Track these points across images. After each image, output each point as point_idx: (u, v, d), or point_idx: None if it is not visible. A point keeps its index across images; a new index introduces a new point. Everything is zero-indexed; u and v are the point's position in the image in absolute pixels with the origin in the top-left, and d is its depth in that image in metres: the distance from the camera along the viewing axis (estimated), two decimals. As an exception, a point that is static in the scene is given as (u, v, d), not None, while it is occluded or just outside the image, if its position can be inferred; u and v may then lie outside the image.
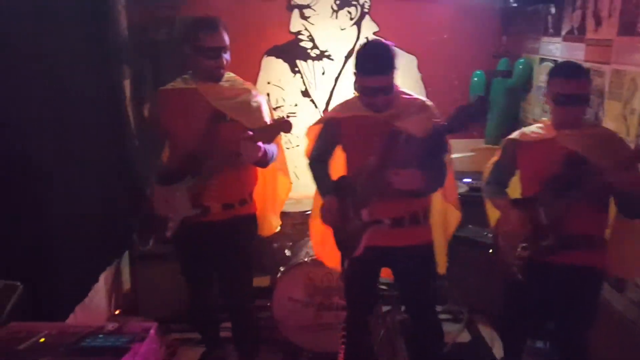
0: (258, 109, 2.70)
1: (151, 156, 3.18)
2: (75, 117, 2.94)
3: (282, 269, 3.41)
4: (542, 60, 4.00)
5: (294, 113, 4.51)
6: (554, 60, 3.81)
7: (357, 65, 2.37)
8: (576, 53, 3.47)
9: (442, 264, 2.74)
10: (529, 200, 2.45)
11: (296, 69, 4.43)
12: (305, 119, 4.52)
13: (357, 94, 2.50)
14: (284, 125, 2.36)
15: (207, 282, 2.98)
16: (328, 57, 4.41)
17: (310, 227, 2.97)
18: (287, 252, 3.63)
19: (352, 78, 2.42)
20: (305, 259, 3.23)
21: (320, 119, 2.76)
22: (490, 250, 3.59)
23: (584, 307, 2.46)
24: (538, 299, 2.55)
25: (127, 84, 4.00)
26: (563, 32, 3.67)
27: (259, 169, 2.83)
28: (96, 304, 3.42)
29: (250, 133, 2.36)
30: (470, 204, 3.01)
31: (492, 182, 2.68)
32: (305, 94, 4.49)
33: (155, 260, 3.67)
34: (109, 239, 3.36)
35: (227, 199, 2.72)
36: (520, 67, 4.19)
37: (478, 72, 4.32)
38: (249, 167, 2.73)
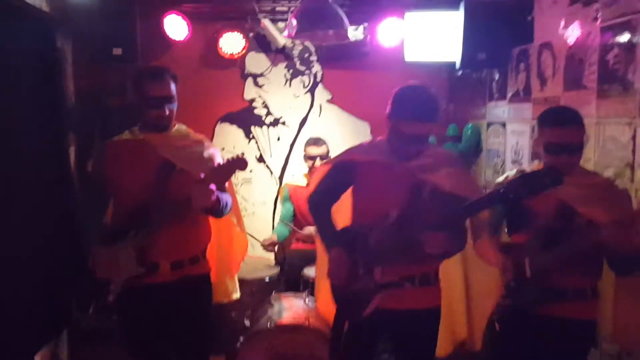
0: (211, 160, 2.55)
1: (93, 217, 2.97)
2: (13, 181, 2.75)
3: (241, 338, 3.15)
4: (490, 124, 4.17)
5: (249, 179, 4.42)
6: (502, 124, 3.98)
7: (398, 109, 2.11)
8: (524, 112, 3.64)
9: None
10: (517, 247, 2.30)
11: (251, 135, 4.40)
12: (260, 185, 4.46)
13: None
14: (238, 162, 2.21)
15: None
16: (283, 123, 4.44)
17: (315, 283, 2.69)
18: (247, 322, 3.38)
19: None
20: (268, 326, 3.01)
21: (331, 159, 2.52)
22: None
23: None
24: (518, 351, 2.40)
25: (72, 150, 3.85)
26: (509, 95, 3.86)
27: (213, 224, 2.66)
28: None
29: (202, 175, 2.23)
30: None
31: (490, 223, 2.57)
32: (260, 159, 4.44)
33: (99, 339, 3.32)
34: (45, 314, 3.04)
35: (176, 255, 2.48)
36: (469, 132, 4.35)
37: (430, 139, 4.43)
38: (201, 220, 2.56)
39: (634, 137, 2.58)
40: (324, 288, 2.61)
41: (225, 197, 2.44)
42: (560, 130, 2.14)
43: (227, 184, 2.52)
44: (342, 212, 2.39)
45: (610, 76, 2.74)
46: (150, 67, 2.58)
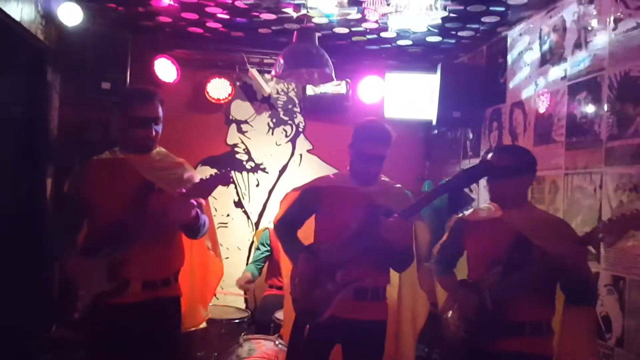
0: (190, 181, 2.52)
1: (64, 246, 2.92)
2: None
3: (208, 377, 3.04)
4: (464, 181, 4.30)
5: (226, 223, 4.41)
6: (475, 180, 4.11)
7: (360, 135, 2.47)
8: (496, 168, 3.78)
9: (411, 354, 2.74)
10: (475, 282, 2.40)
11: (230, 179, 4.42)
12: (236, 230, 4.45)
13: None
14: (221, 177, 2.24)
15: None
16: (263, 169, 4.50)
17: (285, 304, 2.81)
18: (213, 362, 3.27)
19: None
20: (236, 363, 2.91)
21: (300, 187, 2.72)
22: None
23: None
24: None
25: (49, 182, 3.83)
26: (482, 153, 4.02)
27: (187, 249, 2.64)
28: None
29: (184, 190, 2.25)
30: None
31: (440, 261, 2.67)
32: (238, 204, 4.46)
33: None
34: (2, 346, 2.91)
35: (148, 275, 2.43)
36: (444, 188, 4.46)
37: (405, 192, 4.54)
38: (175, 242, 2.54)
39: (600, 186, 2.71)
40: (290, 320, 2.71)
41: (204, 217, 2.45)
42: (498, 153, 2.43)
43: (204, 205, 2.53)
44: (306, 239, 2.61)
45: (577, 129, 2.91)
46: (139, 88, 2.64)
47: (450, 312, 2.48)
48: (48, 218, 3.48)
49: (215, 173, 2.25)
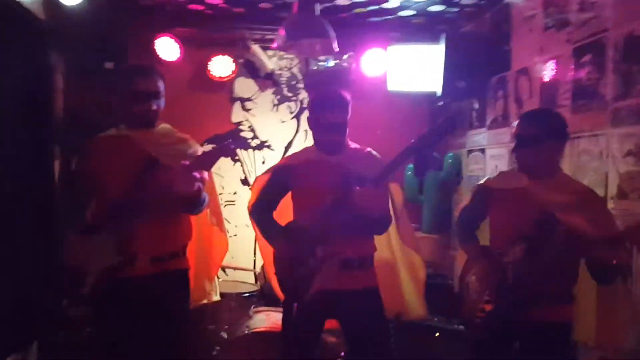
0: (194, 156, 2.61)
1: (72, 226, 2.95)
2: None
3: (217, 348, 3.08)
4: (470, 152, 4.28)
5: (233, 201, 4.43)
6: (481, 150, 4.09)
7: (315, 104, 2.51)
8: (502, 137, 3.76)
9: (421, 308, 2.73)
10: (497, 253, 2.32)
11: (236, 157, 4.45)
12: (243, 207, 4.43)
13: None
14: (223, 149, 2.26)
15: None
16: (268, 147, 4.51)
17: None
18: (223, 335, 3.31)
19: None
20: (245, 332, 2.95)
21: (269, 169, 2.73)
22: (437, 334, 3.52)
23: None
24: (500, 354, 2.39)
25: (57, 163, 3.86)
26: (487, 122, 4.00)
27: (193, 224, 2.67)
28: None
29: (187, 162, 2.26)
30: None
31: (463, 226, 2.60)
32: (245, 182, 4.47)
33: (70, 353, 3.20)
34: (16, 322, 2.95)
35: (156, 250, 2.47)
36: (450, 161, 4.45)
37: (410, 166, 4.53)
38: (182, 217, 2.58)
39: (607, 148, 2.69)
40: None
41: (204, 194, 2.47)
42: (523, 121, 2.29)
43: (207, 181, 2.55)
44: (283, 218, 2.58)
45: (583, 93, 2.88)
46: (139, 64, 2.66)
47: (472, 278, 2.45)
48: (57, 197, 3.51)
49: (217, 145, 2.26)
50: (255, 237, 2.75)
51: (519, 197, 2.26)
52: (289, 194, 2.62)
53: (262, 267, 3.93)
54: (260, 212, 2.64)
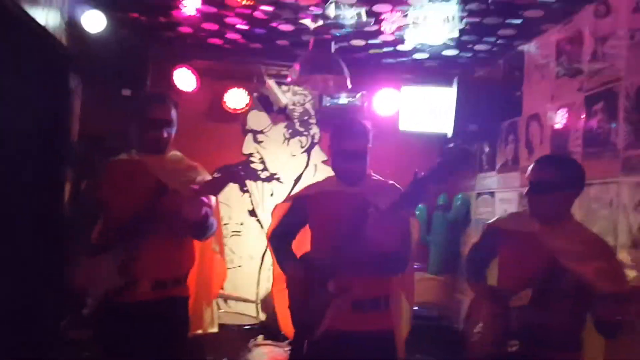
0: None
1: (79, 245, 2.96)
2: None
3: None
4: (479, 194, 4.28)
5: (239, 232, 4.43)
6: (490, 193, 4.09)
7: (335, 132, 2.44)
8: (511, 181, 3.76)
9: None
10: (504, 295, 2.26)
11: (245, 188, 4.47)
12: (249, 238, 4.46)
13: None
14: (232, 175, 2.28)
15: None
16: (278, 179, 4.53)
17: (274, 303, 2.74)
18: (223, 367, 3.26)
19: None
20: (246, 366, 2.90)
21: (290, 196, 2.69)
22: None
23: None
24: None
25: (68, 186, 3.90)
26: (497, 166, 4.01)
27: (197, 249, 2.67)
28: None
29: (196, 187, 2.28)
30: (417, 333, 2.88)
31: (471, 266, 2.57)
32: (252, 213, 4.47)
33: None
34: (13, 342, 2.93)
35: (158, 275, 2.47)
36: (459, 202, 4.45)
37: (420, 206, 4.52)
38: (186, 244, 2.58)
39: (617, 196, 2.68)
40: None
41: (212, 219, 2.48)
42: (539, 169, 2.23)
43: (214, 208, 2.56)
44: (302, 248, 2.53)
45: (594, 140, 2.89)
46: (153, 92, 2.73)
47: (478, 319, 2.40)
48: (65, 219, 3.53)
49: (226, 171, 2.29)
50: (273, 264, 2.70)
51: (529, 241, 2.23)
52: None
53: (267, 297, 3.90)
54: (279, 240, 2.58)
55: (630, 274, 2.41)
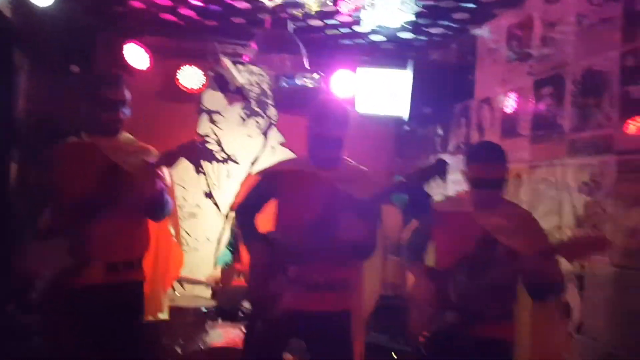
0: None
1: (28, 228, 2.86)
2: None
3: (171, 363, 3.01)
4: (433, 176, 4.36)
5: (195, 214, 4.37)
6: (444, 175, 4.18)
7: (315, 116, 2.34)
8: (463, 164, 3.84)
9: None
10: (442, 273, 2.40)
11: (201, 169, 4.41)
12: (205, 220, 4.41)
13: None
14: (188, 146, 2.24)
15: None
16: (234, 161, 4.48)
17: None
18: (178, 349, 3.23)
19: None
20: (201, 347, 2.89)
21: (260, 171, 2.60)
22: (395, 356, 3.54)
23: None
24: None
25: (14, 167, 3.75)
26: (450, 149, 4.10)
27: (153, 234, 2.64)
28: None
29: (150, 161, 2.25)
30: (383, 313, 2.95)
31: (410, 247, 2.65)
32: (208, 195, 4.42)
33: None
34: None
35: (112, 257, 2.43)
36: (413, 184, 4.52)
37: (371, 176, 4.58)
38: (141, 226, 2.55)
39: (563, 177, 2.79)
40: None
41: (167, 197, 2.45)
42: (485, 165, 2.30)
43: (169, 188, 2.53)
44: (265, 225, 2.49)
45: (542, 123, 2.99)
46: (106, 72, 2.65)
47: (417, 297, 2.51)
48: (11, 203, 3.40)
49: (182, 143, 2.25)
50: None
51: (464, 221, 2.35)
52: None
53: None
54: (245, 215, 2.51)
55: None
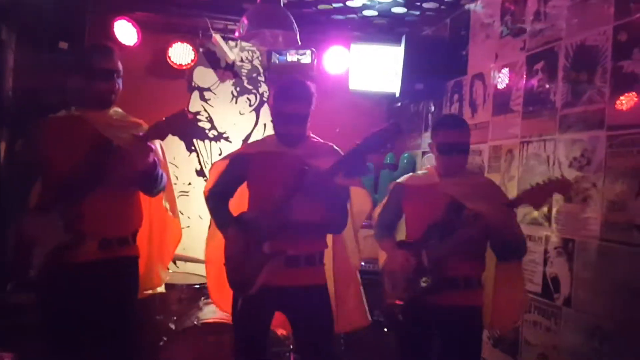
0: None
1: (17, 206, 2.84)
2: None
3: (165, 339, 3.03)
4: (424, 153, 4.37)
5: (187, 192, 4.36)
6: (436, 151, 4.18)
7: (278, 94, 2.43)
8: (456, 139, 3.85)
9: None
10: (412, 243, 2.52)
11: (192, 147, 4.39)
12: (197, 199, 4.39)
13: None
14: (179, 117, 2.20)
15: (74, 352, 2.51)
16: (226, 139, 4.46)
17: (206, 271, 2.75)
18: (172, 326, 3.26)
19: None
20: (195, 323, 2.91)
21: (227, 155, 2.68)
22: (385, 329, 3.59)
23: (466, 346, 2.45)
24: (421, 340, 2.54)
25: (2, 145, 3.71)
26: (443, 125, 4.09)
27: (145, 209, 2.62)
28: None
29: (141, 134, 2.22)
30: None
31: (380, 224, 2.74)
32: (200, 173, 4.41)
33: (16, 339, 3.07)
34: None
35: (104, 233, 2.41)
36: (405, 160, 4.54)
37: (368, 164, 4.57)
38: (134, 202, 2.53)
39: (554, 152, 2.80)
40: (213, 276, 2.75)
41: (160, 170, 2.43)
42: (450, 132, 2.47)
43: (162, 162, 2.52)
44: (239, 207, 2.53)
45: (534, 99, 2.99)
46: (98, 43, 2.60)
47: (390, 271, 2.56)
48: (1, 179, 3.37)
49: (173, 114, 2.22)
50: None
51: (431, 192, 2.49)
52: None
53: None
54: (216, 199, 2.57)
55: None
